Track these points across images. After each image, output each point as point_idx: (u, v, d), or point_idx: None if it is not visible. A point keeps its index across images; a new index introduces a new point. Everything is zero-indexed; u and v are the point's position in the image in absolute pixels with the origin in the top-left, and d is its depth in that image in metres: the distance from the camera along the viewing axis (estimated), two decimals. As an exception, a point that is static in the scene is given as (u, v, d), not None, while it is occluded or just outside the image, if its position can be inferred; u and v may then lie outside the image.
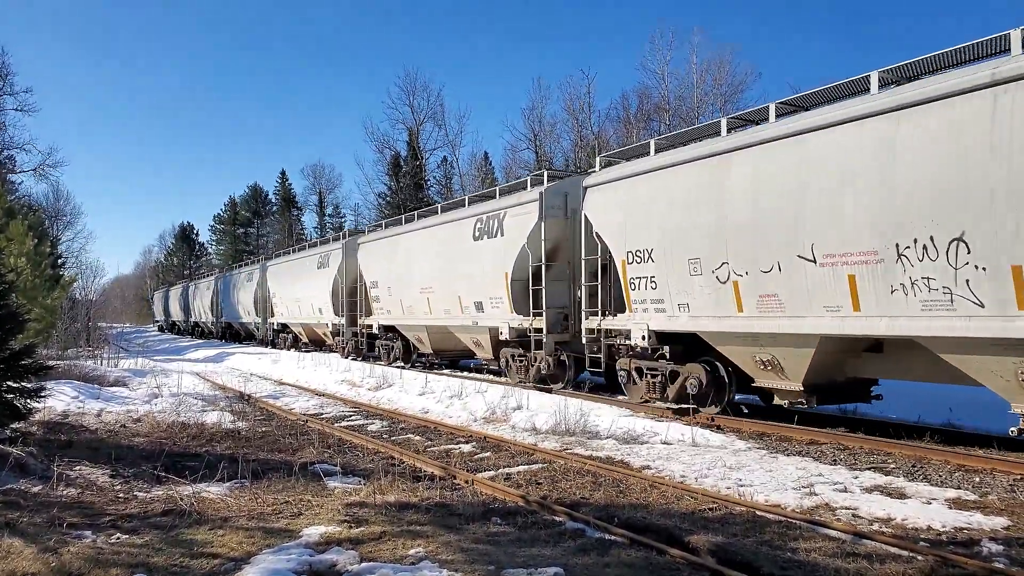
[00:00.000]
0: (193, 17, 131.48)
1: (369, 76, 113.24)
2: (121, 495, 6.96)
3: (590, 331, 13.16)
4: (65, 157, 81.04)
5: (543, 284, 14.24)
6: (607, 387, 14.45)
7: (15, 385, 8.22)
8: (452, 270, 17.40)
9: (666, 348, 11.47)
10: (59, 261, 34.54)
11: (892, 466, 8.13)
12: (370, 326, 22.59)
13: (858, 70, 9.22)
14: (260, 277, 34.30)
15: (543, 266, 14.29)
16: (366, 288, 22.54)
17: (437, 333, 18.87)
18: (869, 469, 7.96)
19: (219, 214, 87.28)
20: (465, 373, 18.35)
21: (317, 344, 29.22)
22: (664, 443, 9.72)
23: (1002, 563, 4.99)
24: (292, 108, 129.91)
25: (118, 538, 5.42)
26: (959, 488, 7.09)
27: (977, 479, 7.48)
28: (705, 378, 10.96)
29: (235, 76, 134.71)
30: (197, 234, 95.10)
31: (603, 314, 12.93)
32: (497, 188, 16.80)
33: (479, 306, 16.20)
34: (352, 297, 23.91)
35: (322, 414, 13.61)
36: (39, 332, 18.09)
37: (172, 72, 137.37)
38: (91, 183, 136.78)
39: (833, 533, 5.67)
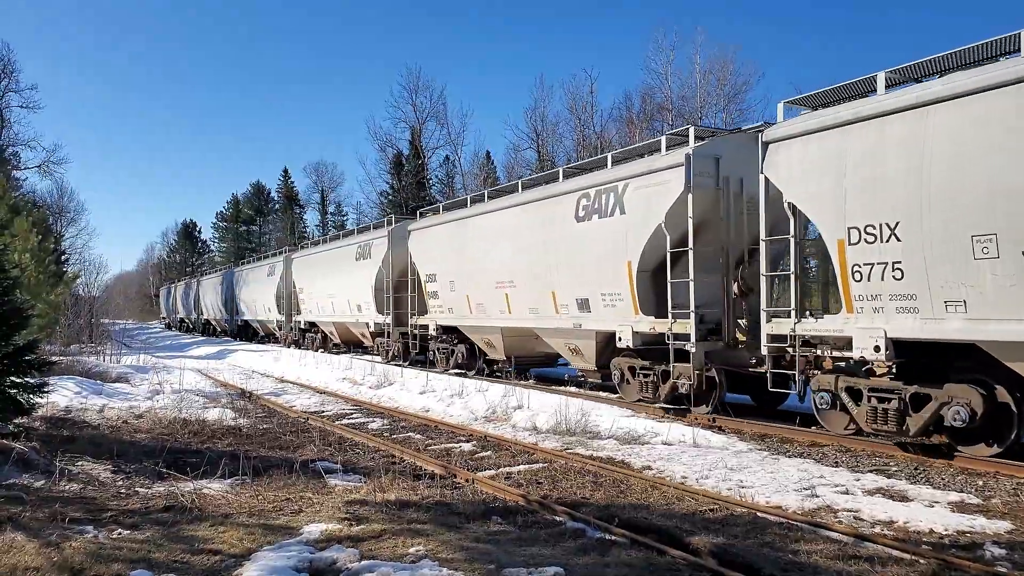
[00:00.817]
0: (196, 14, 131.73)
1: (372, 75, 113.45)
2: (123, 491, 6.97)
3: (775, 338, 9.73)
4: (69, 154, 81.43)
5: (690, 275, 10.86)
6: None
7: (18, 380, 8.25)
8: (544, 260, 14.02)
9: (889, 362, 8.55)
10: (62, 257, 34.64)
11: (894, 469, 8.12)
12: (425, 326, 19.44)
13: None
14: (284, 270, 31.16)
15: (690, 252, 10.90)
16: (420, 282, 19.46)
17: (516, 336, 15.93)
18: (871, 471, 7.95)
19: (222, 212, 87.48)
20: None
21: (352, 346, 26.54)
22: (665, 444, 9.71)
23: (1005, 567, 4.98)
24: (295, 106, 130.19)
25: (119, 533, 5.43)
26: (962, 491, 7.08)
27: (980, 482, 7.46)
28: (981, 406, 7.84)
29: (238, 74, 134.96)
30: (200, 231, 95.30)
31: (799, 315, 9.53)
32: (609, 155, 13.37)
33: (584, 304, 13.07)
34: (400, 293, 20.83)
35: (323, 412, 13.62)
36: (42, 328, 18.12)
37: (175, 69, 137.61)
38: (94, 180, 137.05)
39: (835, 535, 5.66)
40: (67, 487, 6.95)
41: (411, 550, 4.99)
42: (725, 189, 11.17)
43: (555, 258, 13.74)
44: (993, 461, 7.99)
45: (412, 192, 52.33)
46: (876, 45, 68.21)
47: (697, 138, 11.50)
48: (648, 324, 11.77)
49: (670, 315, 11.22)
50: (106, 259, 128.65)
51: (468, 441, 10.33)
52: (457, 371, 17.86)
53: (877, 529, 5.95)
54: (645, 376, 12.12)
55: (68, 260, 39.47)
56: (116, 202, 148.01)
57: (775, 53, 75.03)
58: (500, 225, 15.70)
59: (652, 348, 11.92)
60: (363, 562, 4.73)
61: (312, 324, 28.98)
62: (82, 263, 45.91)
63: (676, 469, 8.12)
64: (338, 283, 24.75)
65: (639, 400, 12.29)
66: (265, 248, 67.54)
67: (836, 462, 8.51)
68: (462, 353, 18.20)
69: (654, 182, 11.51)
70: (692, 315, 10.90)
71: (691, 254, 10.95)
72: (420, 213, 21.24)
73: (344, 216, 71.99)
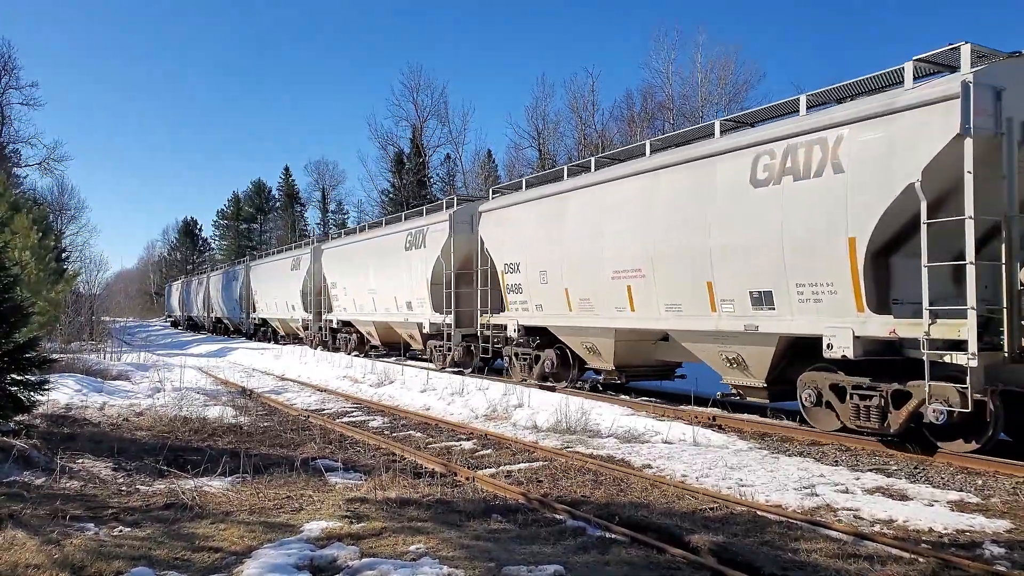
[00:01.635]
0: (197, 12, 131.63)
1: (373, 73, 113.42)
2: (123, 488, 6.98)
3: None
4: (69, 151, 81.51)
5: (969, 255, 7.68)
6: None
7: (19, 378, 8.25)
8: (693, 240, 10.76)
9: None
10: (63, 255, 34.66)
11: (894, 467, 8.12)
12: (501, 327, 16.26)
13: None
14: (311, 263, 27.78)
15: (968, 223, 7.71)
16: (496, 274, 16.35)
17: (633, 341, 13.08)
18: (871, 470, 7.95)
19: (222, 209, 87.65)
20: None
21: (396, 348, 23.47)
22: (665, 442, 9.72)
23: (1004, 566, 4.98)
24: (296, 104, 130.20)
25: (120, 531, 5.44)
26: (961, 490, 7.08)
27: (980, 481, 7.47)
28: None
29: (239, 72, 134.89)
30: (200, 229, 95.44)
31: None
32: (802, 97, 9.83)
33: (763, 299, 9.81)
34: (462, 287, 17.85)
35: (324, 410, 13.63)
36: (43, 325, 18.14)
37: (176, 67, 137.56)
38: (95, 177, 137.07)
39: (834, 534, 5.67)
40: (68, 484, 6.96)
41: (411, 548, 4.99)
42: (1007, 135, 7.99)
43: (712, 237, 10.49)
44: (989, 460, 7.97)
45: (413, 190, 52.35)
46: (877, 44, 68.16)
47: (979, 60, 8.19)
48: (882, 325, 8.51)
49: (925, 313, 8.00)
50: (107, 257, 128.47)
51: (468, 439, 10.34)
52: (541, 383, 14.86)
53: (877, 528, 5.95)
54: (863, 398, 8.87)
55: (69, 258, 39.50)
56: (117, 200, 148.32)
57: (776, 53, 75.04)
58: (618, 199, 12.34)
59: (864, 361, 8.88)
60: (363, 560, 4.74)
61: (346, 324, 25.64)
62: (83, 261, 45.96)
63: (676, 467, 8.12)
64: (382, 277, 21.82)
65: (842, 430, 9.41)
66: (267, 246, 67.49)
67: (836, 461, 8.51)
68: (552, 360, 14.87)
69: (898, 126, 8.35)
70: (971, 313, 7.72)
71: (970, 225, 7.71)
72: (492, 191, 17.96)
73: (345, 214, 72.10)
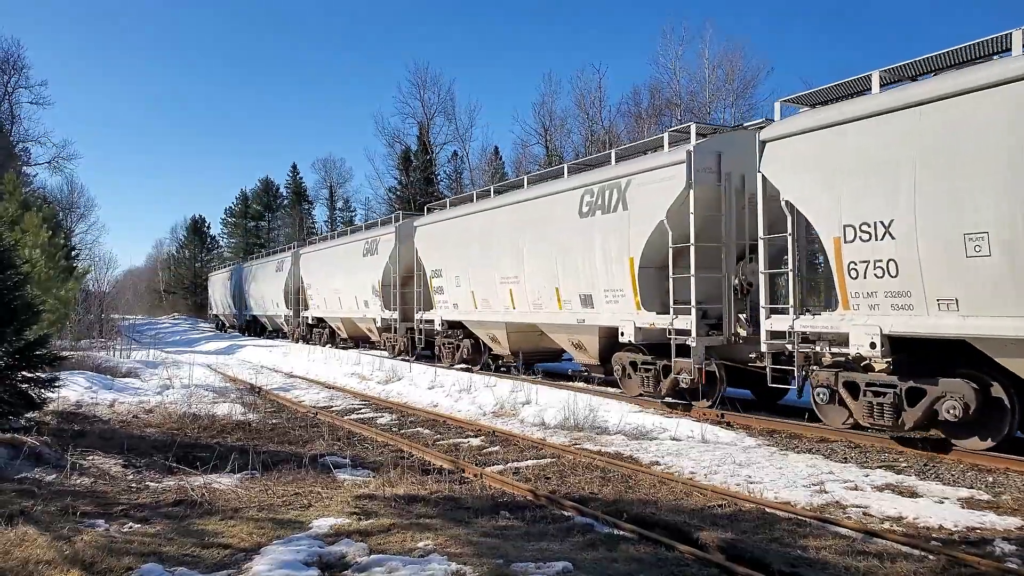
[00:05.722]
0: (203, 10, 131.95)
1: (380, 70, 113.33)
2: (133, 485, 7.01)
3: None
4: (79, 150, 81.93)
5: None
6: None
7: (30, 375, 8.31)
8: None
9: None
10: (72, 253, 34.74)
11: (903, 464, 8.09)
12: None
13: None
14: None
15: None
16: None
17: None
18: (880, 467, 7.92)
19: (230, 207, 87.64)
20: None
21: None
22: (673, 439, 9.70)
23: (1015, 563, 4.95)
24: (303, 101, 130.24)
25: (130, 527, 5.47)
26: (972, 487, 7.04)
27: (990, 479, 7.42)
28: None
29: (246, 69, 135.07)
30: (209, 227, 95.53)
31: None
32: None
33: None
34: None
35: (332, 407, 13.66)
36: (53, 323, 18.23)
37: (184, 65, 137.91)
38: (104, 176, 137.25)
39: (843, 531, 5.65)
40: (78, 481, 7.00)
41: (420, 544, 5.00)
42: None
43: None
44: (1000, 457, 7.91)
45: (420, 188, 52.30)
46: (880, 43, 67.72)
47: None
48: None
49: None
50: (115, 255, 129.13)
51: (476, 436, 10.34)
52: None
53: (886, 525, 5.93)
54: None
55: (78, 255, 39.61)
56: (125, 198, 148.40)
57: (784, 48, 74.63)
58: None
59: None
60: (372, 556, 4.75)
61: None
62: (92, 258, 46.12)
63: (684, 464, 8.11)
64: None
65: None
66: (274, 243, 67.59)
67: (845, 458, 8.48)
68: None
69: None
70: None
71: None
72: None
73: (352, 212, 72.11)
